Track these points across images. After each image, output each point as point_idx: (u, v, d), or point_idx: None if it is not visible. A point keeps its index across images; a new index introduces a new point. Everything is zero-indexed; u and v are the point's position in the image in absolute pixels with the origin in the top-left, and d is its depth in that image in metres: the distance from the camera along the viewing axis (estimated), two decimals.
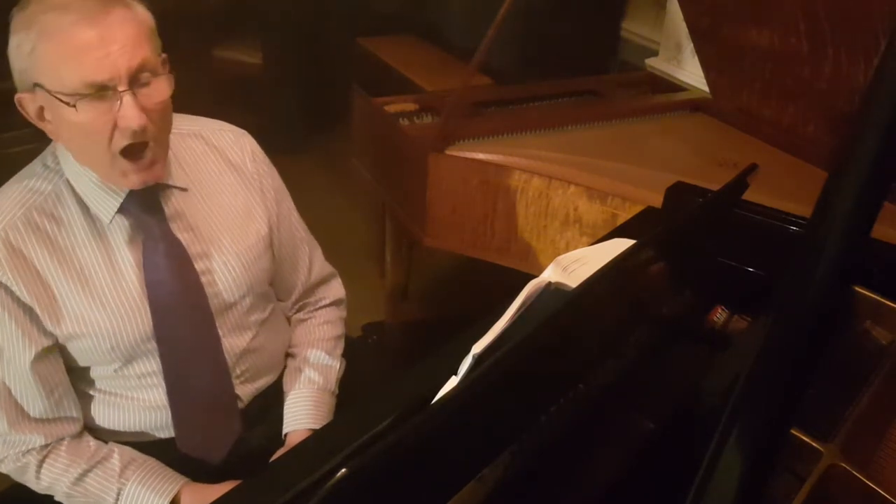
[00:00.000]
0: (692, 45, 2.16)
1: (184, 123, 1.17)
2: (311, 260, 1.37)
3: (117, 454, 1.16)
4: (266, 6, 3.58)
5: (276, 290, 1.35)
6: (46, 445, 1.13)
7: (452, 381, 0.79)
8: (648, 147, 2.02)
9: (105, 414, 1.18)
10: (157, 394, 1.17)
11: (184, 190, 1.16)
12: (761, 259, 1.22)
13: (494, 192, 1.89)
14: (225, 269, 1.18)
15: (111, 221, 1.09)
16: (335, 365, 1.36)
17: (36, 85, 0.98)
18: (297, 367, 1.33)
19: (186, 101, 1.15)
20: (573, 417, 0.94)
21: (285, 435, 1.27)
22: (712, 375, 1.08)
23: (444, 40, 3.43)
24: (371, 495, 0.66)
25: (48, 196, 1.07)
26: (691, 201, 1.32)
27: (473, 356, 0.77)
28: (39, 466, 1.12)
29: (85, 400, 1.18)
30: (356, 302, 1.50)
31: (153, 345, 1.13)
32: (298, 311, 1.40)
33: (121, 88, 0.97)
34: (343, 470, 0.62)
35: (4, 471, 1.14)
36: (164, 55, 1.03)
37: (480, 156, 1.89)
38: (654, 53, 2.90)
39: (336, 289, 1.44)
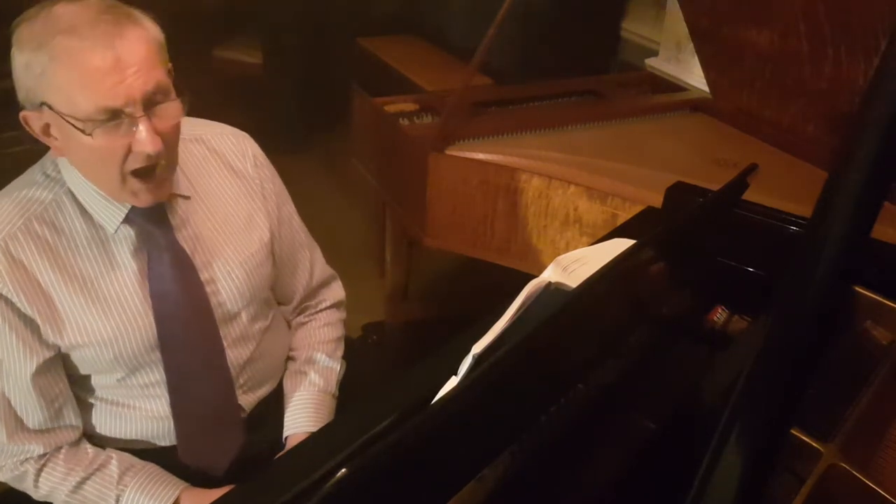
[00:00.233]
0: (692, 45, 2.16)
1: (185, 127, 1.16)
2: (312, 264, 1.37)
3: (115, 461, 1.15)
4: (266, 6, 3.58)
5: (276, 295, 1.34)
6: (45, 454, 1.12)
7: (452, 381, 0.79)
8: (648, 147, 2.02)
9: (107, 423, 1.18)
10: (160, 404, 1.16)
11: (187, 198, 1.15)
12: (761, 259, 1.22)
13: (494, 192, 1.89)
14: (228, 278, 1.17)
15: (116, 231, 1.07)
16: (336, 367, 1.36)
17: (43, 104, 0.96)
18: (298, 370, 1.33)
19: None
20: (573, 417, 0.94)
21: (286, 438, 1.27)
22: (712, 375, 1.08)
23: (444, 40, 3.43)
24: (371, 495, 0.66)
25: (48, 205, 1.06)
26: (691, 201, 1.32)
27: (473, 356, 0.77)
28: (38, 475, 1.11)
29: (87, 408, 1.17)
30: (356, 302, 1.50)
31: (157, 355, 1.12)
32: (299, 314, 1.40)
33: (137, 114, 0.96)
34: (343, 470, 0.62)
35: (2, 479, 1.13)
36: (169, 65, 1.02)
37: (480, 156, 1.89)
38: (654, 53, 2.90)
39: (336, 291, 1.44)
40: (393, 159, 2.16)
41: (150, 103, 0.97)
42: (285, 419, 1.28)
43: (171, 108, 1.00)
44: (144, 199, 1.04)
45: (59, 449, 1.13)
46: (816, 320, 0.57)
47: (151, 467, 1.17)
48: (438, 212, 1.95)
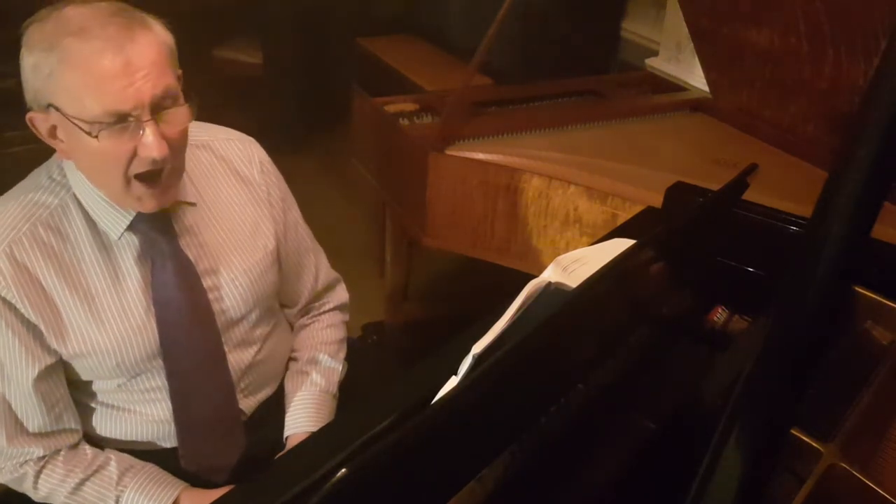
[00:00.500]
0: (692, 45, 2.16)
1: (192, 132, 1.13)
2: (317, 268, 1.36)
3: (114, 462, 1.15)
4: (266, 6, 3.58)
5: (281, 298, 1.34)
6: (44, 456, 1.11)
7: (452, 381, 0.79)
8: (648, 147, 2.02)
9: (107, 426, 1.17)
10: (160, 408, 1.16)
11: (192, 204, 1.14)
12: (761, 259, 1.22)
13: (494, 192, 1.89)
14: (232, 286, 1.17)
15: (119, 238, 1.07)
16: (338, 368, 1.35)
17: (50, 106, 0.95)
18: (300, 370, 1.33)
19: None
20: (573, 417, 0.94)
21: (286, 438, 1.27)
22: (712, 375, 1.08)
23: (444, 40, 3.43)
24: (371, 495, 0.66)
25: (54, 210, 1.05)
26: (691, 201, 1.32)
27: (473, 356, 0.77)
28: (37, 476, 1.11)
29: (87, 412, 1.16)
30: (356, 302, 1.50)
31: (159, 362, 1.12)
32: (302, 315, 1.40)
33: (144, 118, 0.95)
34: (343, 470, 0.62)
35: (2, 480, 1.13)
36: (179, 72, 1.02)
37: (480, 156, 1.89)
38: (654, 53, 2.90)
39: (340, 293, 1.43)
40: (393, 159, 2.16)
41: (157, 108, 0.96)
42: (286, 419, 1.28)
43: (179, 113, 1.00)
44: (149, 205, 1.03)
45: (58, 451, 1.13)
46: (816, 320, 0.57)
47: (151, 468, 1.17)
48: (438, 212, 1.95)
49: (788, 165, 1.93)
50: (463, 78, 1.94)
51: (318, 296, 1.40)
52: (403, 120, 2.14)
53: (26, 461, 1.11)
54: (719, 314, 1.18)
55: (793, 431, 0.84)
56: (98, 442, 1.18)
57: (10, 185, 1.10)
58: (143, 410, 1.16)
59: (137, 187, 1.00)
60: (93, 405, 1.16)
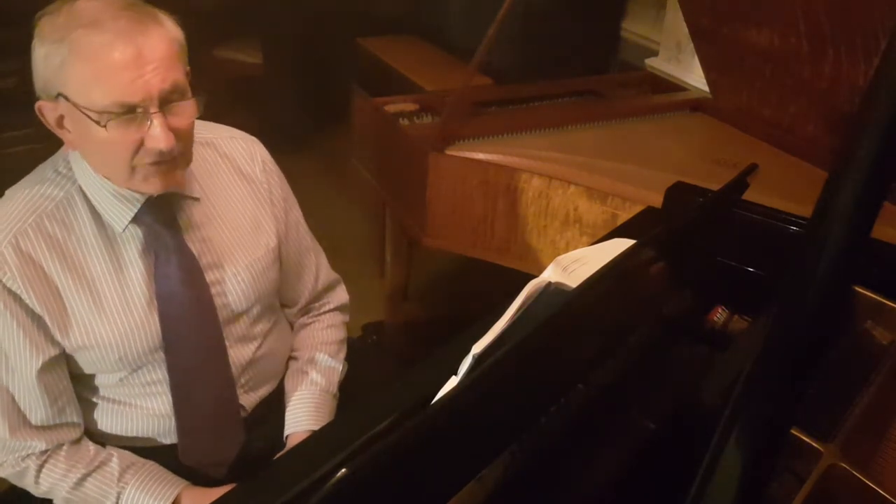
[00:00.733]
0: (692, 45, 2.16)
1: (196, 130, 1.15)
2: (317, 268, 1.37)
3: (116, 458, 1.15)
4: (266, 6, 3.58)
5: (281, 298, 1.35)
6: (46, 451, 1.12)
7: (452, 381, 0.79)
8: (648, 147, 2.02)
9: (108, 421, 1.18)
10: (161, 402, 1.16)
11: (196, 199, 1.15)
12: (761, 259, 1.22)
13: (494, 192, 1.89)
14: (235, 281, 1.18)
15: (124, 231, 1.08)
16: (338, 367, 1.36)
17: (60, 95, 0.96)
18: (300, 370, 1.33)
19: None
20: (573, 417, 0.94)
21: (286, 437, 1.27)
22: (712, 375, 1.08)
23: (444, 40, 3.43)
24: (371, 495, 0.66)
25: (60, 203, 1.06)
26: (691, 201, 1.32)
27: (473, 356, 0.77)
28: (39, 471, 1.12)
29: (88, 406, 1.17)
30: (356, 302, 1.50)
31: (160, 354, 1.12)
32: (303, 315, 1.40)
33: (152, 110, 0.96)
34: (343, 470, 0.62)
35: (3, 475, 1.14)
36: (188, 68, 1.03)
37: (480, 156, 1.89)
38: (654, 53, 2.90)
39: (340, 294, 1.44)
40: (393, 159, 2.16)
41: (165, 101, 0.98)
42: (286, 418, 1.28)
43: (187, 106, 1.01)
44: (155, 184, 1.03)
45: (60, 446, 1.13)
46: (816, 320, 0.57)
47: (152, 466, 1.17)
48: (438, 212, 1.95)
49: (788, 165, 1.93)
50: (463, 78, 1.94)
51: (318, 296, 1.40)
52: (403, 120, 2.14)
53: (28, 455, 1.11)
54: (719, 314, 1.18)
55: (793, 431, 0.84)
56: (99, 438, 1.19)
57: (9, 186, 1.11)
58: (144, 404, 1.16)
59: (143, 167, 1.01)
60: (94, 400, 1.16)
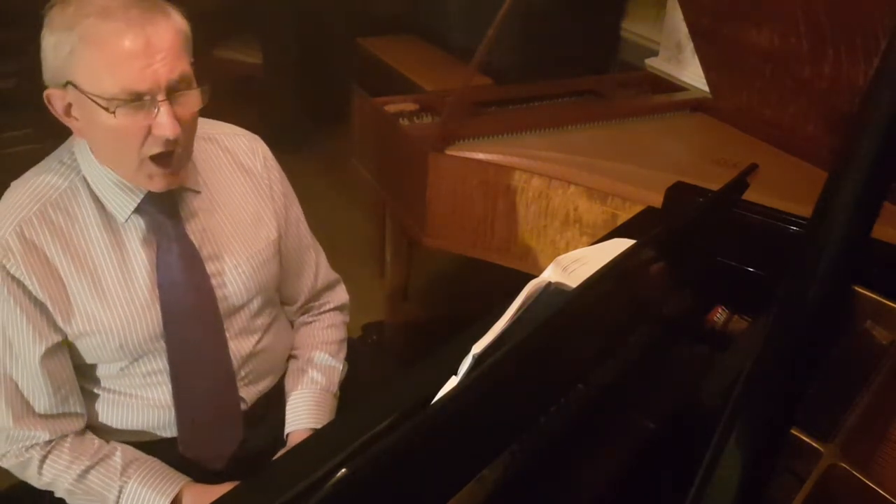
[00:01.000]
0: (692, 45, 2.16)
1: (199, 127, 1.18)
2: (317, 266, 1.38)
3: (119, 452, 1.16)
4: (266, 6, 3.58)
5: (281, 296, 1.35)
6: (50, 441, 1.13)
7: (452, 381, 0.79)
8: (648, 147, 2.02)
9: (109, 412, 1.18)
10: (161, 392, 1.17)
11: (197, 192, 1.17)
12: (761, 259, 1.22)
13: (494, 192, 1.89)
14: (235, 272, 1.19)
15: (126, 220, 1.09)
16: (338, 367, 1.36)
17: (69, 83, 0.98)
18: (300, 368, 1.33)
19: None
20: (573, 417, 0.94)
21: (287, 435, 1.27)
22: (712, 375, 1.08)
23: (444, 40, 3.43)
24: (371, 495, 0.66)
25: (63, 192, 1.08)
26: (691, 201, 1.32)
27: (473, 356, 0.77)
28: (42, 462, 1.12)
29: (89, 398, 1.18)
30: (356, 302, 1.50)
31: (161, 344, 1.14)
32: (303, 313, 1.41)
33: (159, 98, 0.98)
34: (343, 470, 0.62)
35: (6, 466, 1.14)
36: (192, 60, 1.05)
37: (480, 156, 1.89)
38: (654, 53, 2.90)
39: (340, 294, 1.45)
40: (393, 159, 2.16)
41: (172, 90, 1.00)
42: (286, 416, 1.29)
43: (192, 96, 1.03)
44: (159, 183, 1.06)
45: (64, 437, 1.14)
46: (816, 320, 0.57)
47: (154, 462, 1.18)
48: (438, 212, 1.95)
49: (788, 165, 1.93)
50: (463, 78, 1.94)
51: (317, 295, 1.41)
52: (403, 120, 2.14)
53: (32, 445, 1.12)
54: (719, 314, 1.18)
55: (793, 431, 0.84)
56: (100, 432, 1.19)
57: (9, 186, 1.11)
58: (144, 395, 1.17)
59: (150, 166, 1.03)
60: (96, 391, 1.17)
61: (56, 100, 1.02)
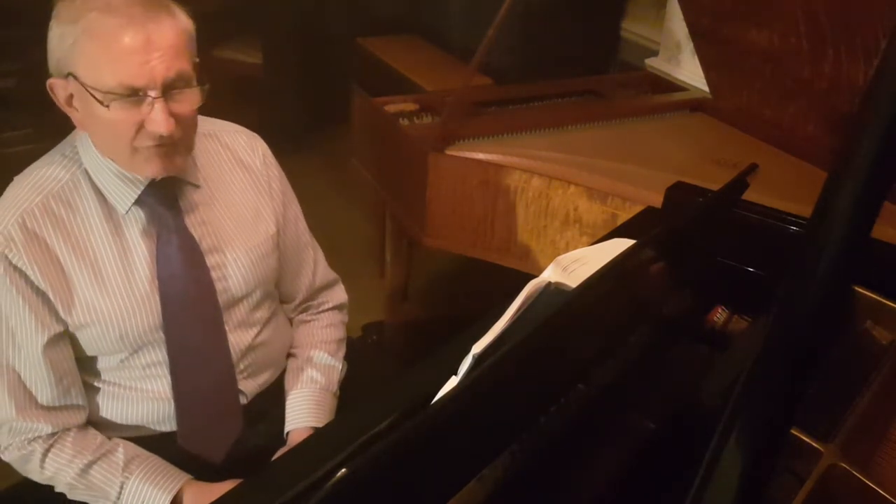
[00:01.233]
0: (692, 45, 2.16)
1: (200, 124, 1.19)
2: (315, 265, 1.39)
3: (122, 448, 1.17)
4: (266, 6, 3.58)
5: (279, 293, 1.36)
6: (53, 434, 1.13)
7: (452, 381, 0.79)
8: (648, 147, 2.02)
9: (109, 406, 1.19)
10: (161, 384, 1.18)
11: (197, 187, 1.18)
12: (761, 259, 1.22)
13: (494, 192, 1.89)
14: (235, 265, 1.20)
15: (127, 212, 1.10)
16: (338, 366, 1.37)
17: (70, 74, 1.00)
18: (300, 367, 1.34)
19: None
20: (573, 417, 0.94)
21: (287, 433, 1.28)
22: (712, 375, 1.08)
23: (444, 40, 3.43)
24: (371, 495, 0.66)
25: (65, 184, 1.09)
26: (691, 201, 1.32)
27: (473, 356, 0.77)
28: (45, 455, 1.13)
29: (90, 392, 1.18)
30: (356, 302, 1.50)
31: (160, 335, 1.14)
32: (301, 312, 1.41)
33: (155, 95, 0.99)
34: (343, 470, 0.62)
35: (8, 459, 1.14)
36: (196, 60, 1.06)
37: (480, 156, 1.89)
38: (654, 53, 2.91)
39: (339, 294, 1.45)
40: (393, 159, 2.16)
41: (168, 87, 1.01)
42: (286, 414, 1.29)
43: (190, 94, 1.04)
44: (155, 166, 1.06)
45: (67, 431, 1.15)
46: (816, 320, 0.57)
47: (156, 459, 1.19)
48: (438, 212, 1.95)
49: (788, 165, 1.93)
50: (463, 78, 1.95)
51: (315, 294, 1.41)
52: (403, 120, 2.14)
53: (35, 438, 1.12)
54: (719, 314, 1.18)
55: (793, 431, 0.84)
56: (100, 427, 1.20)
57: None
58: (144, 387, 1.18)
59: (145, 149, 1.04)
60: (96, 384, 1.18)
61: (58, 90, 1.04)
